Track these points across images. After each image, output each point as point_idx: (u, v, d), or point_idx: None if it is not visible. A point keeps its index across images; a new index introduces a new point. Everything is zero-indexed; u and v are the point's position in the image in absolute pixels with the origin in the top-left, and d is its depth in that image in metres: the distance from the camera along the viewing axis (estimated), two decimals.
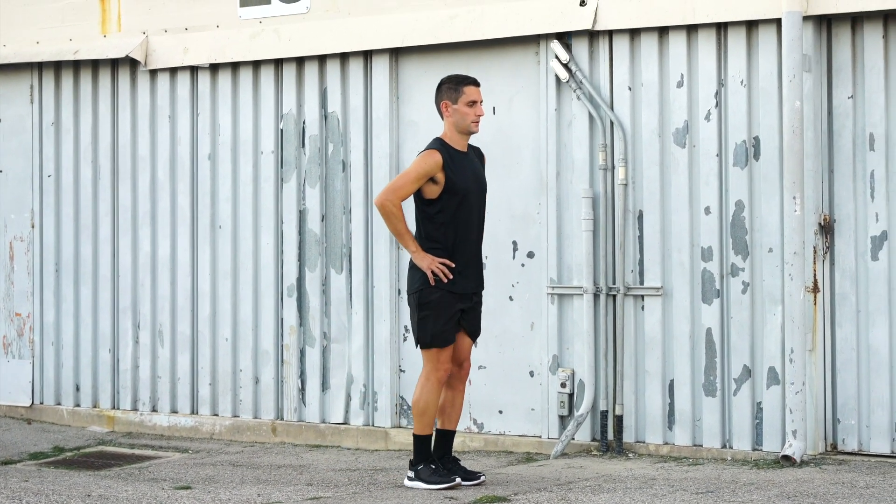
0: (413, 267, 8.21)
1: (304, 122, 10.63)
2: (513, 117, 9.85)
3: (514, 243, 9.82)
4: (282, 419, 10.70)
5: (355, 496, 8.12)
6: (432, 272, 8.09)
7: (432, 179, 8.14)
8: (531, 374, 9.74)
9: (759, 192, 9.00)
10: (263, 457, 9.94)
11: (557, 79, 9.62)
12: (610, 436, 9.42)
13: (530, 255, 9.77)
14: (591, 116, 9.51)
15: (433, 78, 10.14)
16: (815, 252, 8.84)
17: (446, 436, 8.34)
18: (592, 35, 9.55)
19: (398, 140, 10.29)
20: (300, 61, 10.65)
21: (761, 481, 8.09)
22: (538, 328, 9.72)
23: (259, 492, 8.35)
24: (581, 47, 9.57)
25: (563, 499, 7.68)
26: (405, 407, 10.24)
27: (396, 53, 10.30)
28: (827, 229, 8.86)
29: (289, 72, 10.69)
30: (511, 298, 9.79)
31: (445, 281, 8.10)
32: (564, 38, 9.62)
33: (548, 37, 9.66)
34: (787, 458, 8.62)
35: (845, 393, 8.82)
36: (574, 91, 9.55)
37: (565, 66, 9.55)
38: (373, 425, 10.33)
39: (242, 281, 10.86)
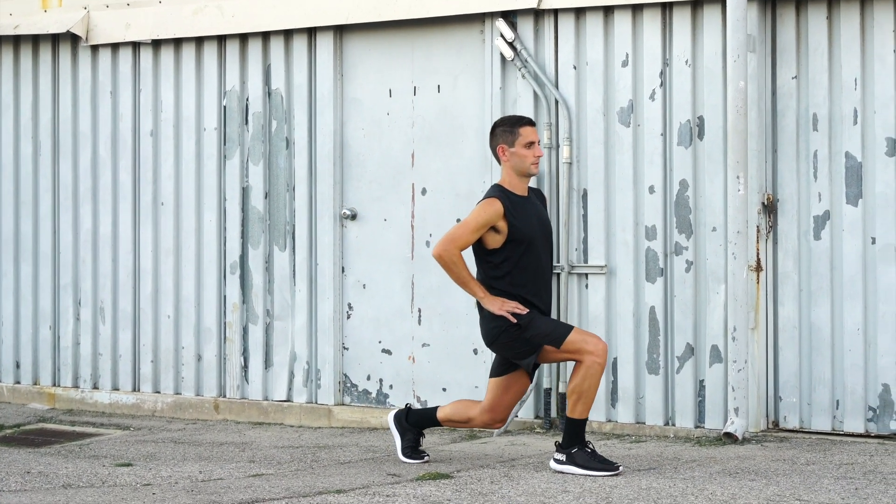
0: (485, 316, 7.87)
1: (247, 99, 10.58)
2: (457, 96, 9.84)
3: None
4: (224, 396, 10.66)
5: (298, 473, 8.10)
6: (508, 312, 7.74)
7: (494, 228, 7.76)
8: (475, 351, 9.74)
9: (703, 171, 9.04)
10: (206, 434, 9.90)
11: (502, 57, 9.61)
12: (553, 413, 9.45)
13: None
14: (535, 95, 9.52)
15: (377, 55, 10.13)
16: (758, 231, 8.89)
17: (432, 423, 8.28)
18: (538, 13, 9.55)
19: (342, 117, 10.26)
20: (244, 38, 10.59)
21: (703, 458, 8.14)
22: None
23: (201, 469, 8.32)
24: (526, 26, 9.57)
25: (505, 475, 7.69)
26: (348, 384, 10.23)
27: (341, 31, 10.26)
28: (770, 209, 8.92)
29: (232, 48, 10.63)
30: None
31: (524, 313, 7.75)
32: (509, 16, 9.62)
33: (493, 15, 9.65)
34: (729, 435, 8.67)
35: (787, 371, 8.88)
36: (519, 70, 9.55)
37: (510, 44, 9.55)
38: (316, 403, 10.31)
39: (185, 258, 10.80)
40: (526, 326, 7.75)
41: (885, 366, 8.62)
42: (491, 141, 7.99)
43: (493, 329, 7.83)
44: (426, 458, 8.29)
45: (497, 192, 7.88)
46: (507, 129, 7.92)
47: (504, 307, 7.75)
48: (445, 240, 7.80)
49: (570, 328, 7.78)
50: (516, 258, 7.81)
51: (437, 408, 8.30)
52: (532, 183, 9.37)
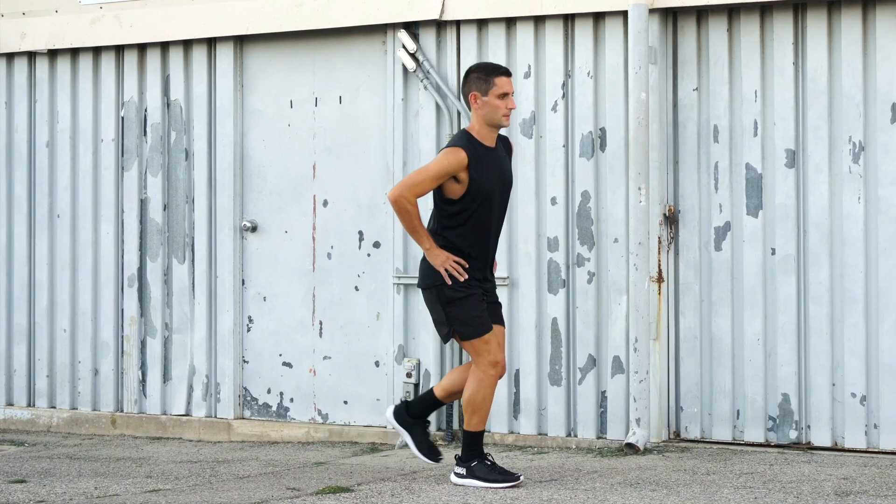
0: (426, 260, 7.59)
1: (145, 110, 10.45)
2: (359, 107, 9.78)
3: (361, 233, 9.76)
4: (122, 411, 10.51)
5: (196, 488, 7.99)
6: (447, 270, 7.48)
7: (455, 178, 7.43)
8: (377, 364, 9.68)
9: (604, 182, 9.05)
10: (102, 449, 9.75)
11: (404, 68, 9.57)
12: (455, 425, 9.41)
13: (376, 245, 9.71)
14: (438, 106, 9.49)
15: (279, 66, 10.05)
16: (659, 242, 8.91)
17: (436, 405, 7.94)
18: (440, 25, 9.52)
19: (242, 128, 10.17)
20: (142, 48, 10.47)
21: (605, 469, 8.13)
22: (384, 318, 9.66)
23: (96, 485, 8.18)
24: (428, 37, 9.54)
25: (406, 489, 7.64)
26: (248, 398, 10.12)
27: (241, 41, 10.17)
28: (671, 220, 8.94)
29: (130, 59, 10.50)
30: (357, 288, 9.72)
31: (461, 280, 7.49)
32: (412, 27, 9.59)
33: (395, 26, 9.61)
34: (630, 445, 8.67)
35: (688, 381, 8.91)
36: (421, 81, 9.51)
37: (412, 55, 9.51)
38: (215, 417, 10.19)
39: (81, 271, 10.64)
40: (452, 301, 7.51)
41: (785, 376, 8.67)
42: (464, 87, 7.64)
43: (427, 278, 7.57)
44: (440, 459, 7.95)
45: (464, 140, 7.52)
46: (481, 77, 7.58)
47: (446, 263, 7.50)
48: (404, 184, 7.47)
49: (487, 330, 7.55)
50: (470, 212, 7.52)
51: (431, 390, 7.94)
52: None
